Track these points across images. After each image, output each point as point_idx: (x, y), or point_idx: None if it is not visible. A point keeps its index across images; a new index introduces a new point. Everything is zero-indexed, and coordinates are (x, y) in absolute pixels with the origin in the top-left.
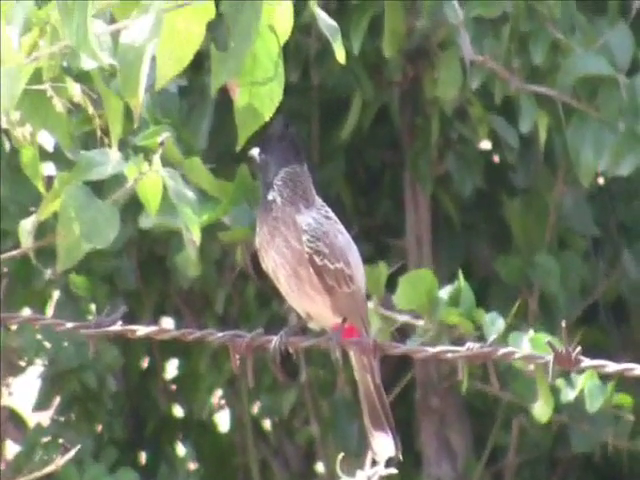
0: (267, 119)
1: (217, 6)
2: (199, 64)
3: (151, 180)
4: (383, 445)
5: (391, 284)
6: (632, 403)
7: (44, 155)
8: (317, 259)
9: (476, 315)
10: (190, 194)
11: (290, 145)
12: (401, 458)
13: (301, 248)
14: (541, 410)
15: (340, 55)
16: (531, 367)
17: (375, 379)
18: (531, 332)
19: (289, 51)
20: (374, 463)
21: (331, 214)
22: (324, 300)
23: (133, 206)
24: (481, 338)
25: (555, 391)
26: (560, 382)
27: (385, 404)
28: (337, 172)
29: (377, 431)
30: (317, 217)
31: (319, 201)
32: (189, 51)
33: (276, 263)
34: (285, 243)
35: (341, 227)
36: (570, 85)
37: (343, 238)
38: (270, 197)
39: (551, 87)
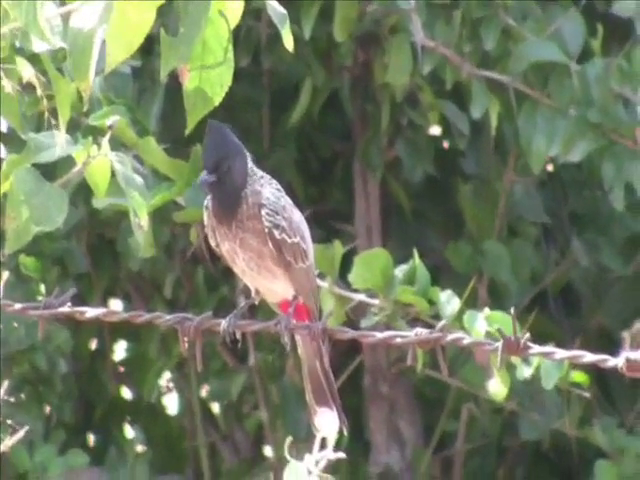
0: (216, 104)
1: None
2: (150, 47)
3: (99, 164)
4: (327, 420)
5: (341, 268)
6: (588, 381)
7: None
8: (276, 233)
9: (431, 294)
10: (138, 178)
11: (233, 137)
12: (346, 432)
13: (262, 226)
14: (496, 389)
15: (288, 42)
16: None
17: (324, 363)
18: (486, 310)
19: (239, 36)
20: (323, 448)
21: (280, 187)
22: (283, 274)
23: (84, 189)
24: (436, 317)
25: (509, 370)
26: (516, 360)
27: (332, 384)
28: (288, 159)
29: (321, 407)
30: (273, 191)
31: (265, 175)
32: (139, 36)
33: (235, 251)
34: (250, 232)
35: (291, 201)
36: (522, 72)
37: (297, 212)
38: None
39: (503, 73)
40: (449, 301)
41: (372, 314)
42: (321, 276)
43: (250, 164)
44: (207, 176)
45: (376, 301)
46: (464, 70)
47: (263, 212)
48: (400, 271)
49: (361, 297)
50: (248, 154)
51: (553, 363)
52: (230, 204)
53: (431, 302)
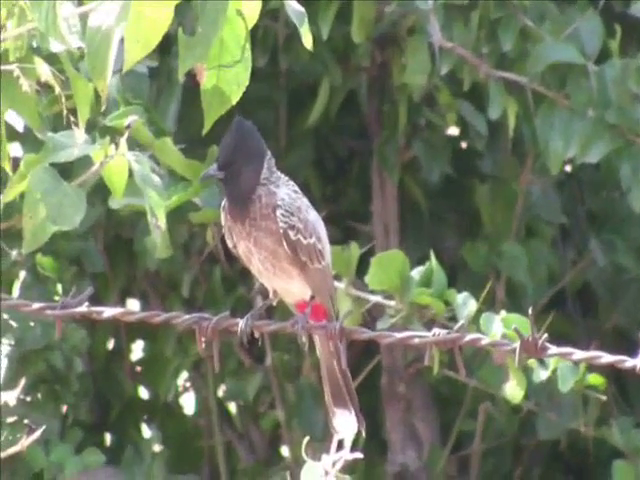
0: (234, 103)
1: None
2: (167, 47)
3: (117, 164)
4: (345, 422)
5: (358, 268)
6: (604, 384)
7: (11, 135)
8: (291, 234)
9: (448, 296)
10: (156, 178)
11: (254, 137)
12: (364, 434)
13: (276, 227)
14: (513, 391)
15: (307, 41)
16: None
17: (341, 363)
18: (503, 312)
19: (257, 36)
20: (339, 448)
21: (297, 188)
22: (299, 275)
23: (101, 188)
24: (452, 319)
25: (526, 372)
26: (532, 362)
27: (350, 385)
28: (305, 158)
29: (339, 408)
30: (289, 192)
31: (283, 176)
32: (156, 35)
33: (251, 250)
34: (264, 231)
35: (308, 201)
36: (539, 72)
37: (313, 213)
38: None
39: (520, 74)
40: (465, 303)
41: (388, 316)
42: (337, 277)
43: (269, 165)
44: (214, 171)
45: (392, 303)
46: (482, 71)
47: (278, 213)
48: (417, 273)
49: (377, 299)
50: (269, 154)
51: (569, 366)
52: (241, 202)
53: (447, 304)
